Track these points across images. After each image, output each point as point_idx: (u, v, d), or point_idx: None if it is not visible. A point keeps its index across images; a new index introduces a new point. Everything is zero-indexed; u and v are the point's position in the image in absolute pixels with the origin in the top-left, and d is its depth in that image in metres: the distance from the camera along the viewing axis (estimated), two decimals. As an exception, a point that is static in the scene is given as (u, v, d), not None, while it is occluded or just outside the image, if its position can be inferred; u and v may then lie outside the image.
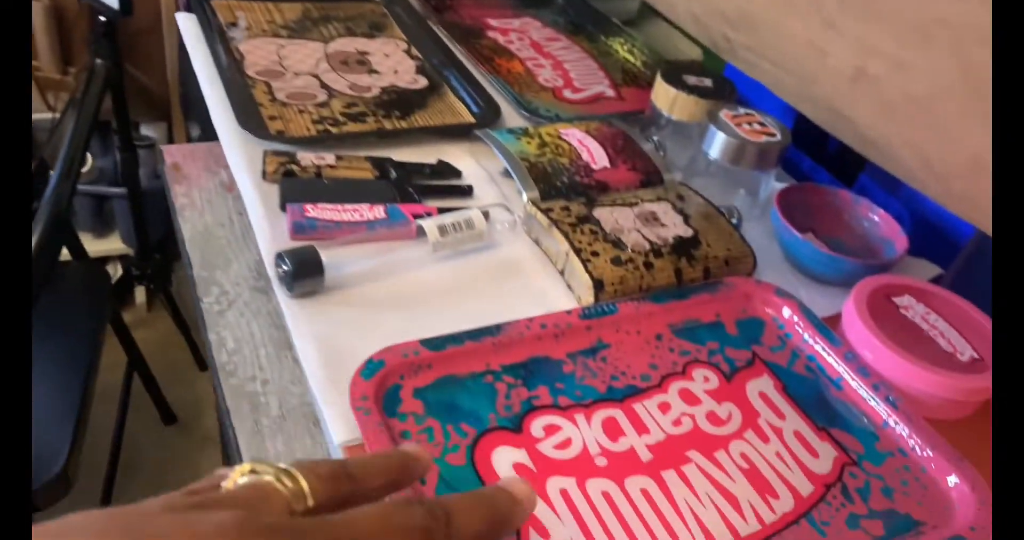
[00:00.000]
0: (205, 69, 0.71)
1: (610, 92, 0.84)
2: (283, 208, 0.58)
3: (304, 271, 0.52)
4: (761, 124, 0.66)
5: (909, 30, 0.32)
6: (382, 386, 0.46)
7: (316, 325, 0.51)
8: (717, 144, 0.65)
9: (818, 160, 0.77)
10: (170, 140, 1.73)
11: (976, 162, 0.38)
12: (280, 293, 0.54)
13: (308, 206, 0.57)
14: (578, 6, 1.01)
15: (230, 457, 0.60)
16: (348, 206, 0.58)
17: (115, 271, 1.76)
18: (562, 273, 0.59)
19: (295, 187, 0.59)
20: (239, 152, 0.63)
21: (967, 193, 0.47)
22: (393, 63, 0.81)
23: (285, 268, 0.52)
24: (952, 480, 0.46)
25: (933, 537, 0.43)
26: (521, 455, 0.45)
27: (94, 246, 1.70)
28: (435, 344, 0.49)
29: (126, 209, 1.60)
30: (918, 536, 0.44)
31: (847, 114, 0.52)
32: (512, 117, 0.76)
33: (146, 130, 1.76)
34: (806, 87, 0.54)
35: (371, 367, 0.46)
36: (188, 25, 0.78)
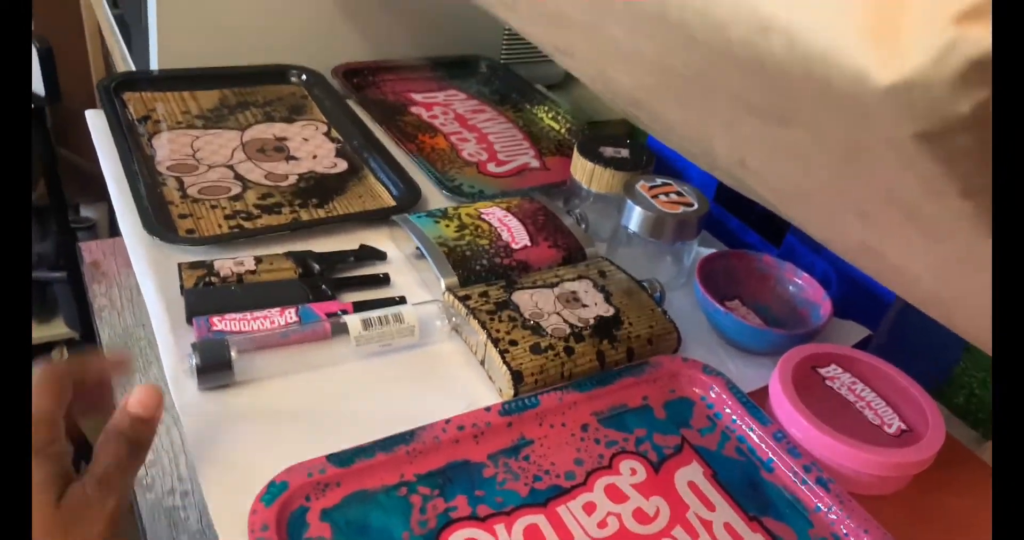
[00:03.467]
0: (112, 169, 0.69)
1: (535, 163, 0.83)
2: (190, 321, 0.56)
3: (211, 365, 0.50)
4: (679, 194, 0.65)
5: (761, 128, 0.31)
6: (285, 510, 0.44)
7: (217, 438, 0.49)
8: (635, 218, 0.64)
9: (745, 220, 0.76)
10: (111, 220, 1.70)
11: (866, 247, 0.37)
12: (179, 399, 0.51)
13: (215, 319, 0.54)
14: (503, 74, 1.01)
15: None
16: (258, 313, 0.55)
17: (61, 356, 1.71)
18: (483, 363, 0.57)
19: (202, 297, 0.57)
20: (143, 259, 0.61)
21: (874, 271, 0.46)
22: (312, 147, 0.80)
23: (193, 361, 0.50)
24: (887, 569, 0.44)
25: (870, 635, 0.41)
26: (436, 577, 0.42)
27: (38, 332, 1.66)
28: (343, 459, 0.46)
29: (68, 293, 1.57)
30: (855, 635, 0.42)
31: (751, 185, 0.51)
32: (435, 196, 0.75)
33: (86, 211, 1.73)
34: (710, 160, 0.53)
35: (273, 491, 0.44)
36: (97, 122, 0.76)
